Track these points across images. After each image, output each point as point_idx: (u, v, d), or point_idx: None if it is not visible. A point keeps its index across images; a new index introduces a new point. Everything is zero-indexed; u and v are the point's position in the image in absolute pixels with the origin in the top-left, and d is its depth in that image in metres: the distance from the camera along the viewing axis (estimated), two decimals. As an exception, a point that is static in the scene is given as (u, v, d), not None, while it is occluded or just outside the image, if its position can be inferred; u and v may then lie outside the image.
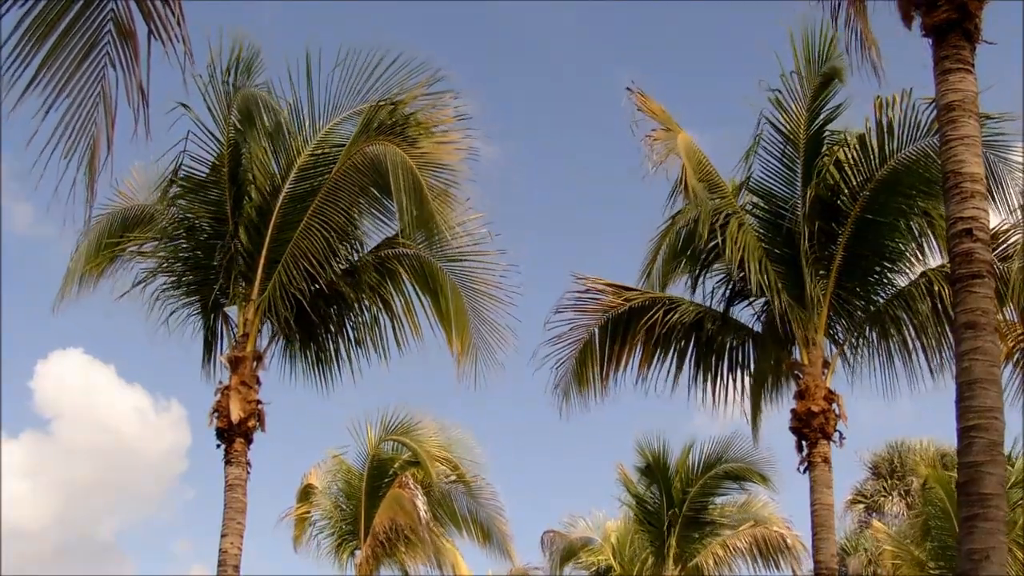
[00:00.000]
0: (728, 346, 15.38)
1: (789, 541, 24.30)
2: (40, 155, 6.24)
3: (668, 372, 15.41)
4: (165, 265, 14.62)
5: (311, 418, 49.69)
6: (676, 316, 14.89)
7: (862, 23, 9.57)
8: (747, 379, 15.49)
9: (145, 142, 6.37)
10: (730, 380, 15.52)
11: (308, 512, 23.72)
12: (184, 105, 13.55)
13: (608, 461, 25.15)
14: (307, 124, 14.26)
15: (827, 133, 14.58)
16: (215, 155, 14.12)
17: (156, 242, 14.64)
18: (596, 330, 15.18)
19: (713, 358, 15.41)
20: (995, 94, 12.90)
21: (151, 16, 6.08)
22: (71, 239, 14.88)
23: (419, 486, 21.92)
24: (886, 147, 13.98)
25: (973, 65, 8.42)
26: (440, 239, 13.78)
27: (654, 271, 15.45)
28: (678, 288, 15.59)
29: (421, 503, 21.51)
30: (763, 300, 14.80)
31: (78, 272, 15.05)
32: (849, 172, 14.40)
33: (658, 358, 15.35)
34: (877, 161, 14.14)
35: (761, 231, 14.88)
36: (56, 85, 6.23)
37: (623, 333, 15.15)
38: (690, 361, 15.41)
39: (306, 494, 23.71)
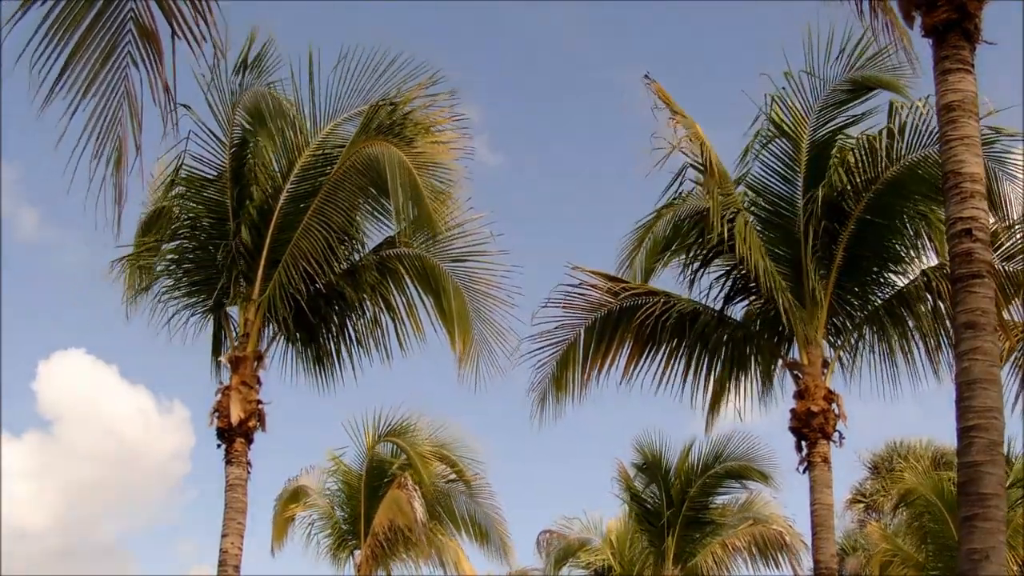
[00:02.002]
0: (724, 344, 15.31)
1: (788, 539, 24.22)
2: (70, 158, 6.22)
3: (658, 370, 15.12)
4: (171, 266, 14.63)
5: (314, 418, 49.72)
6: (675, 310, 14.68)
7: (890, 16, 9.40)
8: (745, 378, 15.42)
9: (160, 142, 6.38)
10: (727, 378, 15.46)
11: (292, 516, 23.66)
12: (186, 106, 13.59)
13: (606, 460, 24.99)
14: (308, 124, 14.30)
15: (840, 136, 14.51)
16: (218, 154, 14.15)
17: (161, 242, 14.64)
18: (582, 331, 14.86)
19: (708, 356, 15.31)
20: (995, 94, 12.89)
21: (173, 15, 6.08)
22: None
23: (417, 487, 21.90)
24: (893, 150, 13.94)
25: (973, 65, 8.43)
26: (436, 239, 13.80)
27: (636, 263, 15.33)
28: (670, 284, 15.52)
29: (419, 504, 21.50)
30: (762, 298, 14.74)
31: (133, 283, 14.92)
32: (856, 173, 14.31)
33: (647, 356, 15.07)
34: (884, 163, 14.08)
35: (760, 228, 14.83)
36: (80, 86, 6.21)
37: (612, 330, 14.87)
38: (683, 359, 15.19)
39: (296, 496, 23.65)
